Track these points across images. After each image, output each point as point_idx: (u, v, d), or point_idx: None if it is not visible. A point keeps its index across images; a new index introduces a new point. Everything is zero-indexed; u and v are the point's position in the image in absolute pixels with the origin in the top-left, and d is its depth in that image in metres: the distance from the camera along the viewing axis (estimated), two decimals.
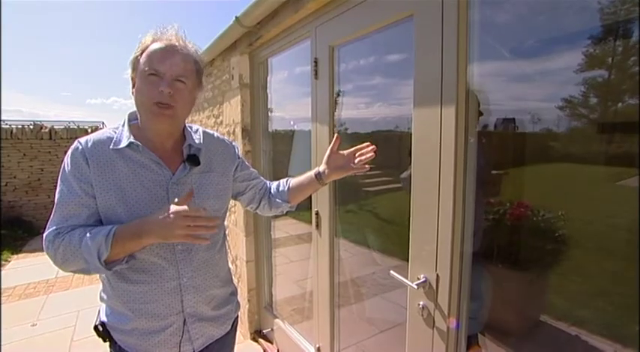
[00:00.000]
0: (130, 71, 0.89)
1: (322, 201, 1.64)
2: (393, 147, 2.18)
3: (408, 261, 1.30)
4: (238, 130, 2.32)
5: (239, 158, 1.09)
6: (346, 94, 1.64)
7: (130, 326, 0.90)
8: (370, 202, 2.28)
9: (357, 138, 1.73)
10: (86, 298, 3.21)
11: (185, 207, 0.75)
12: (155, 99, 0.83)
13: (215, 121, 2.85)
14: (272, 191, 1.17)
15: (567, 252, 2.08)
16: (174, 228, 0.74)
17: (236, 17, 1.88)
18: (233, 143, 1.10)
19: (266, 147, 2.32)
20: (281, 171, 2.31)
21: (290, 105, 2.38)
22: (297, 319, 2.30)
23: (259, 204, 1.16)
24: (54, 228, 0.83)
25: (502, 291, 2.17)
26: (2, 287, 3.48)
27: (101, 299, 0.97)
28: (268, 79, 2.26)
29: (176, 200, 0.79)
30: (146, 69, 0.83)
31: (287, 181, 1.17)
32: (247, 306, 2.43)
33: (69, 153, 0.86)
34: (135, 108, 0.90)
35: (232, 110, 2.41)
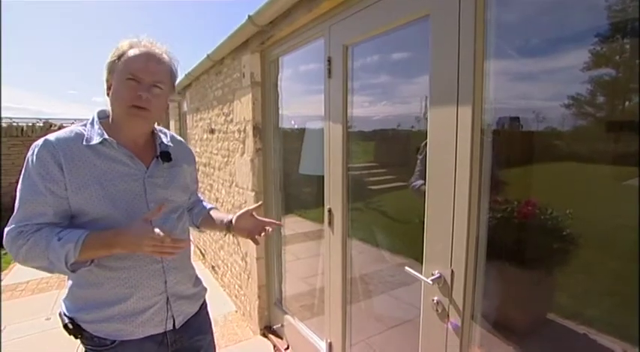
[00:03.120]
0: (105, 74, 0.92)
1: (335, 199, 1.67)
2: (398, 146, 2.20)
3: (414, 258, 1.32)
4: (249, 128, 2.34)
5: (195, 166, 1.18)
6: (355, 93, 1.66)
7: (109, 313, 0.91)
8: (375, 200, 2.30)
9: (361, 136, 1.75)
10: None
11: (156, 231, 0.80)
12: (133, 102, 0.87)
13: (225, 119, 2.88)
14: (193, 210, 1.22)
15: (574, 250, 2.09)
16: (144, 247, 0.81)
17: (249, 16, 1.90)
18: (189, 147, 1.17)
19: (276, 144, 2.34)
20: (291, 169, 2.33)
21: (301, 103, 2.40)
22: (306, 315, 2.33)
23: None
24: (15, 225, 0.83)
25: (509, 289, 2.18)
26: (15, 282, 3.55)
27: (71, 293, 0.95)
28: (279, 77, 2.28)
29: (150, 207, 0.92)
30: (125, 73, 0.87)
31: (207, 210, 1.22)
32: (257, 302, 2.47)
33: (34, 150, 0.85)
34: (105, 108, 0.96)
35: (243, 108, 2.43)
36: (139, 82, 0.88)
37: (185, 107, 4.49)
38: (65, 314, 0.95)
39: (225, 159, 2.94)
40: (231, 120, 2.71)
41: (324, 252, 1.80)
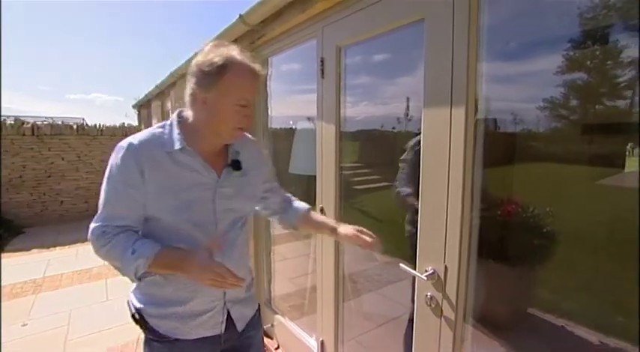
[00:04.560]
0: (193, 85, 0.88)
1: (327, 198, 1.68)
2: (382, 146, 2.25)
3: (400, 257, 1.36)
4: None
5: (266, 164, 1.16)
6: (347, 93, 1.68)
7: (168, 312, 0.95)
8: (359, 200, 2.34)
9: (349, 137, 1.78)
10: (78, 298, 3.16)
11: (222, 267, 0.83)
12: (241, 125, 0.90)
13: None
14: (287, 210, 1.21)
15: (553, 247, 2.19)
16: (206, 278, 0.83)
17: (240, 15, 1.89)
18: (259, 145, 1.15)
19: (266, 144, 2.33)
20: (281, 168, 2.34)
21: (291, 103, 2.40)
22: (296, 315, 2.33)
23: (270, 216, 1.25)
24: (100, 224, 0.88)
25: (493, 285, 2.26)
26: None
27: (139, 286, 0.99)
28: (269, 76, 2.28)
29: (217, 217, 0.94)
30: (237, 99, 0.87)
31: (305, 211, 1.20)
32: None
33: (118, 155, 0.86)
34: (188, 113, 0.93)
35: None
36: (248, 105, 0.89)
37: (169, 106, 4.40)
38: (133, 305, 0.99)
39: None
40: None
41: (317, 251, 1.81)
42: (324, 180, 1.69)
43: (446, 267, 1.14)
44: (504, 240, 2.27)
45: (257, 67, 0.90)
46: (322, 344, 1.82)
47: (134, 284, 0.99)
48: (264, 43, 2.12)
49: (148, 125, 6.31)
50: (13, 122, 5.88)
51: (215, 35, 2.30)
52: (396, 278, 2.28)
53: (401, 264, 1.25)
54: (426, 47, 1.14)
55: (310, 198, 1.82)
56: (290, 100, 2.68)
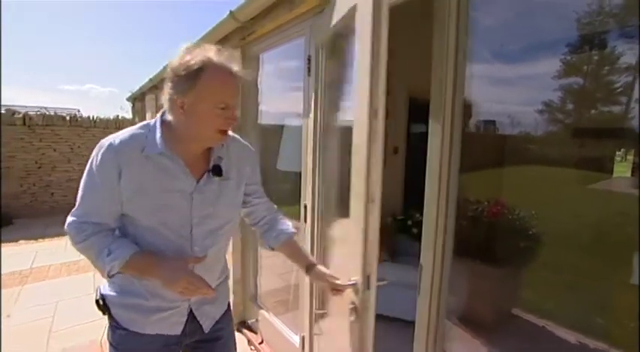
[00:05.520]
0: (170, 90, 0.86)
1: (309, 194, 1.69)
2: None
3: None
4: None
5: (253, 166, 1.10)
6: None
7: (132, 302, 0.94)
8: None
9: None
10: (65, 289, 3.15)
11: (196, 277, 0.85)
12: (223, 127, 0.88)
13: None
14: (270, 229, 1.14)
15: (538, 248, 2.22)
16: (175, 287, 0.84)
17: (230, 11, 1.90)
18: (248, 147, 1.10)
19: (255, 140, 2.34)
20: (269, 165, 2.34)
21: (280, 99, 2.41)
22: (281, 310, 2.35)
23: (253, 224, 1.18)
24: (76, 219, 0.89)
25: (475, 285, 2.30)
26: None
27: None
28: (259, 73, 2.28)
29: (194, 222, 0.91)
30: (217, 103, 0.84)
31: (287, 237, 1.12)
32: (232, 297, 2.46)
33: (99, 152, 0.86)
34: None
35: None
36: (228, 107, 0.86)
37: (162, 100, 4.37)
38: (100, 290, 0.99)
39: None
40: None
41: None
42: (309, 176, 1.70)
43: (421, 266, 1.16)
44: (489, 240, 2.30)
45: (235, 67, 0.87)
46: (303, 339, 1.84)
47: None
48: (254, 40, 2.12)
49: (142, 118, 6.26)
50: (4, 112, 5.83)
51: (206, 31, 2.30)
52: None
53: None
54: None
55: (297, 195, 1.83)
56: (281, 97, 2.68)
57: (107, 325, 0.99)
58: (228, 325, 1.14)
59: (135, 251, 0.86)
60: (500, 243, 2.29)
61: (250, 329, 2.43)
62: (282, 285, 2.54)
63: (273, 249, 1.13)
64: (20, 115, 5.83)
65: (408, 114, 3.11)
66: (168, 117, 0.91)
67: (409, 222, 2.72)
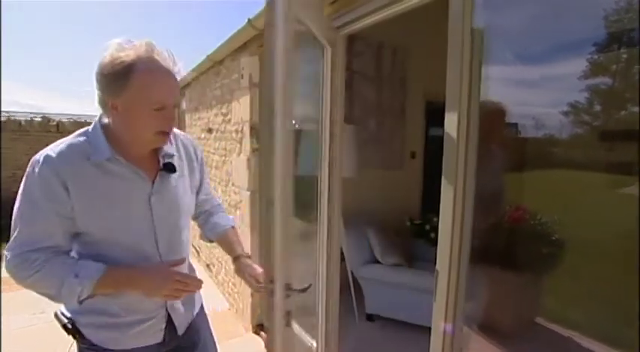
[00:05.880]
0: (100, 91, 0.80)
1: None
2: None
3: None
4: (247, 129, 2.38)
5: (201, 161, 1.10)
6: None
7: (104, 320, 0.88)
8: None
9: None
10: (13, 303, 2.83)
11: (183, 274, 0.85)
12: (158, 129, 0.82)
13: (223, 119, 2.91)
14: (209, 220, 1.17)
15: (563, 255, 2.13)
16: (163, 290, 0.82)
17: (249, 19, 1.95)
18: (194, 143, 1.10)
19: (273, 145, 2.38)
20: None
21: (298, 104, 2.43)
22: (298, 314, 2.36)
23: (193, 218, 1.16)
24: (18, 251, 0.78)
25: (498, 292, 2.23)
26: None
27: None
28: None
29: (156, 223, 0.88)
30: (151, 104, 0.79)
31: (224, 230, 1.15)
32: (250, 300, 2.50)
33: (35, 169, 0.78)
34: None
35: (241, 109, 2.47)
36: (165, 107, 0.81)
37: (184, 106, 4.52)
38: (63, 314, 0.91)
39: (223, 159, 2.98)
40: (229, 121, 2.74)
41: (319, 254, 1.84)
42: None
43: (437, 272, 1.14)
44: (509, 246, 2.23)
45: (170, 64, 0.81)
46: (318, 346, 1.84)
47: None
48: None
49: None
50: (40, 120, 6.19)
51: (225, 39, 2.37)
52: None
53: None
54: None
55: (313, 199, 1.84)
56: (298, 101, 2.71)
57: (76, 347, 0.92)
58: (203, 328, 1.10)
59: (105, 267, 0.79)
60: (522, 249, 2.22)
61: (267, 332, 2.45)
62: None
63: (211, 241, 1.16)
64: (54, 123, 6.17)
65: (426, 118, 3.08)
66: (105, 119, 0.86)
67: (427, 227, 2.68)
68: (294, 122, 2.42)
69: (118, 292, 0.84)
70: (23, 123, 6.04)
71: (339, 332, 1.83)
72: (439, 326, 1.15)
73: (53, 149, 0.80)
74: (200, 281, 0.86)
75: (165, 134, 0.85)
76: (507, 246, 2.15)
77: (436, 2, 1.18)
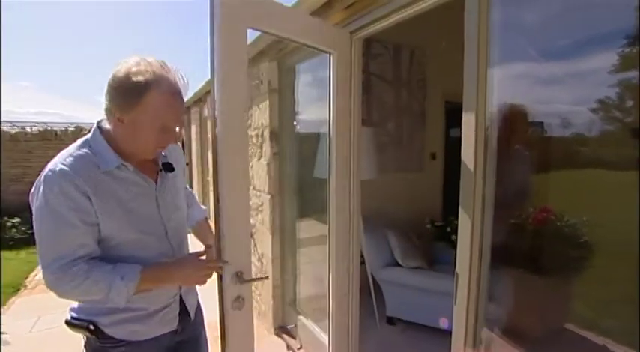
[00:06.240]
0: (110, 104, 0.83)
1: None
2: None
3: None
4: (267, 133, 2.43)
5: (182, 157, 1.15)
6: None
7: (125, 316, 0.92)
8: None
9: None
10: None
11: (210, 261, 0.99)
12: (159, 146, 0.91)
13: None
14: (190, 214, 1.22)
15: (592, 258, 2.04)
16: (192, 280, 0.97)
17: None
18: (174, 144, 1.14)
19: (292, 149, 2.42)
20: (306, 172, 2.40)
21: (316, 108, 2.46)
22: (319, 317, 2.37)
23: None
24: (58, 264, 0.80)
25: (524, 295, 2.15)
26: None
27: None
28: (296, 83, 2.37)
29: (164, 221, 0.97)
30: (157, 123, 0.84)
31: (201, 219, 1.25)
32: (272, 302, 2.53)
33: (52, 185, 0.79)
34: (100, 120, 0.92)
35: (261, 114, 2.52)
36: (169, 131, 0.88)
37: (206, 112, 4.66)
38: (77, 319, 0.94)
39: None
40: (250, 126, 2.81)
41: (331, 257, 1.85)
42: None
43: (457, 274, 1.13)
44: (534, 249, 2.16)
45: (180, 87, 0.86)
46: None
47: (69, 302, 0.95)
48: (290, 51, 2.21)
49: (188, 131, 6.68)
50: (74, 129, 6.53)
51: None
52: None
53: None
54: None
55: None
56: (316, 106, 2.74)
57: (93, 347, 0.95)
58: (201, 323, 1.18)
59: (140, 267, 0.86)
60: (548, 252, 2.14)
61: (289, 334, 2.47)
62: (321, 292, 2.56)
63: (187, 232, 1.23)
64: (87, 132, 6.49)
65: (446, 119, 3.03)
66: (106, 125, 0.90)
67: (448, 229, 2.63)
68: (294, 123, 2.47)
69: (157, 287, 0.92)
70: (59, 132, 6.40)
71: (360, 335, 1.82)
72: (460, 329, 1.14)
73: (63, 163, 0.82)
74: (219, 264, 1.00)
75: (162, 148, 0.94)
76: (532, 249, 2.08)
77: (454, 1, 1.18)
